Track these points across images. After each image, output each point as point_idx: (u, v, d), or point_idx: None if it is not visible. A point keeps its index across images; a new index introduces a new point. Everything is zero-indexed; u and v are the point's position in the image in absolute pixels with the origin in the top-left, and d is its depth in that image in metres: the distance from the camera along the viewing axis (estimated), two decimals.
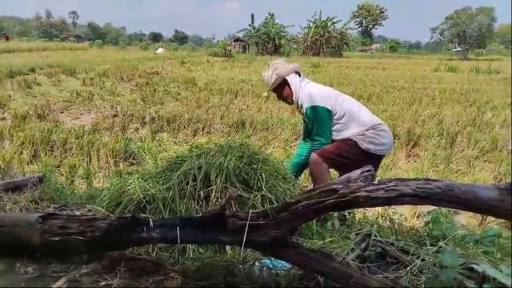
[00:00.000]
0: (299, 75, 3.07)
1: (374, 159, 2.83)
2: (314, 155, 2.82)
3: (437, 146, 5.78)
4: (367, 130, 2.85)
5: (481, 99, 10.07)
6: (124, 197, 1.90)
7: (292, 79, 3.01)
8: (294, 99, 3.01)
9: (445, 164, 5.05)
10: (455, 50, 55.54)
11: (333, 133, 2.93)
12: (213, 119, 7.07)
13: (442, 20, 57.97)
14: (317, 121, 2.88)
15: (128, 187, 1.93)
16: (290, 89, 3.01)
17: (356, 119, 2.88)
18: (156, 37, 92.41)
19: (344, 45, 46.73)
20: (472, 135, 6.25)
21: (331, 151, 2.84)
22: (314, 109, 2.87)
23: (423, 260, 1.65)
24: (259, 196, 1.86)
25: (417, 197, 1.28)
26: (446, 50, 59.04)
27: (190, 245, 1.86)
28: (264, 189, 1.87)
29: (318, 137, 2.90)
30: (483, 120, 7.51)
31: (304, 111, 2.95)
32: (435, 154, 5.35)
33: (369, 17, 69.32)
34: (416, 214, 3.66)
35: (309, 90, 2.96)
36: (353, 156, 2.81)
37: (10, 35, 56.61)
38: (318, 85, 3.07)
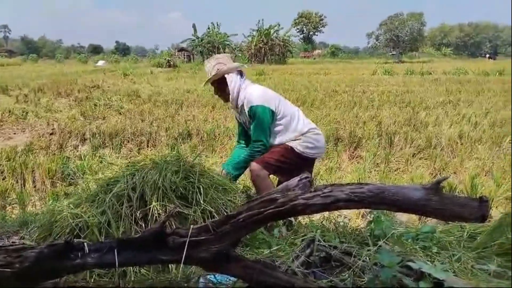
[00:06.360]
0: (241, 75, 3.03)
1: (309, 162, 3.03)
2: (253, 164, 2.82)
3: (377, 146, 6.03)
4: (303, 134, 2.94)
5: (415, 100, 10.68)
6: (55, 228, 1.76)
7: (232, 78, 2.95)
8: (230, 98, 2.98)
9: (385, 164, 5.28)
10: (390, 54, 58.81)
11: (273, 135, 2.94)
12: (158, 131, 6.90)
13: (377, 26, 61.43)
14: (260, 121, 2.86)
15: (58, 216, 1.79)
16: (228, 87, 2.97)
17: (294, 124, 2.96)
18: (96, 49, 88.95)
19: (288, 52, 47.79)
20: (408, 134, 6.59)
21: (270, 157, 2.87)
22: (259, 109, 2.85)
23: (364, 261, 1.69)
24: (199, 210, 1.82)
25: (351, 202, 1.31)
26: (382, 54, 62.29)
27: (132, 267, 1.78)
28: (203, 202, 1.83)
29: (259, 138, 2.88)
30: (417, 120, 7.97)
31: (247, 110, 2.91)
32: (375, 154, 5.58)
33: (309, 24, 71.51)
34: (361, 214, 3.77)
35: (253, 90, 2.95)
36: (290, 160, 2.89)
37: None
38: (261, 86, 3.08)
